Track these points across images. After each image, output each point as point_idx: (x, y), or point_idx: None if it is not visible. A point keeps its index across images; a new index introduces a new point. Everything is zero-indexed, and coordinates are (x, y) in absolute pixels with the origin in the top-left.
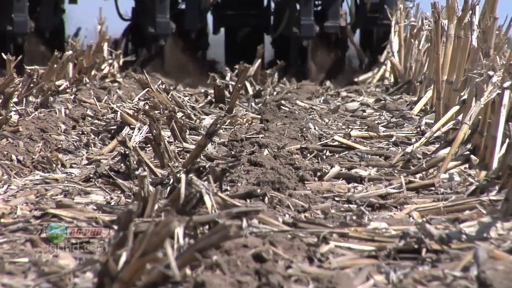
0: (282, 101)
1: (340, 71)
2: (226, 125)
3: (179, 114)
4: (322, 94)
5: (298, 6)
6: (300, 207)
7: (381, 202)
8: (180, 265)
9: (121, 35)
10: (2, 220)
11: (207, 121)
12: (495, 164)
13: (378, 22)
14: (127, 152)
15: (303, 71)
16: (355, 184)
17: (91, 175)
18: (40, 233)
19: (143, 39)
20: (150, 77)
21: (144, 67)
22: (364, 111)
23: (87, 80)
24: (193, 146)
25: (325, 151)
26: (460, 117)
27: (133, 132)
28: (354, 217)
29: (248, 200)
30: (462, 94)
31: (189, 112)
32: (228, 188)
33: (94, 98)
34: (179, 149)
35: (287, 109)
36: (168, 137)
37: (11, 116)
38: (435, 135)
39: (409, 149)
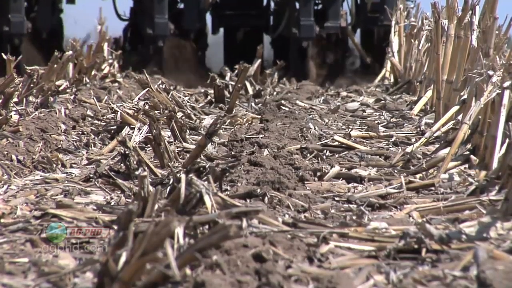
0: (282, 101)
1: (340, 72)
2: (226, 125)
3: (179, 114)
4: (322, 94)
5: (298, 6)
6: (300, 207)
7: (381, 202)
8: (180, 265)
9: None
10: (2, 220)
11: (207, 121)
12: (495, 164)
13: (379, 23)
14: (127, 152)
15: (303, 72)
16: (355, 184)
17: (91, 175)
18: (40, 233)
19: (141, 39)
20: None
21: (142, 68)
22: (364, 111)
23: (87, 80)
24: (193, 146)
25: (325, 151)
26: (460, 117)
27: (133, 132)
28: (354, 217)
29: (248, 200)
30: (462, 94)
31: (189, 112)
32: (228, 188)
33: (94, 98)
34: (179, 149)
35: (287, 109)
36: (168, 137)
37: (11, 116)
38: (435, 135)
39: (409, 149)
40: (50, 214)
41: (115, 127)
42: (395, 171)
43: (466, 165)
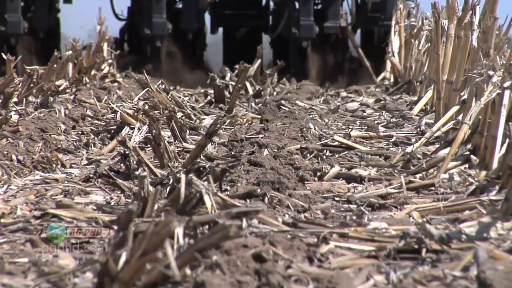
0: (282, 101)
1: (340, 72)
2: (226, 125)
3: (179, 114)
4: (322, 94)
5: (297, 6)
6: (300, 207)
7: (381, 202)
8: (180, 265)
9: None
10: (2, 220)
11: (207, 121)
12: (495, 164)
13: (379, 23)
14: (127, 152)
15: (302, 72)
16: (355, 184)
17: (91, 175)
18: (40, 233)
19: (139, 39)
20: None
21: (139, 69)
22: (364, 111)
23: (87, 80)
24: (193, 146)
25: (325, 151)
26: (460, 117)
27: (133, 132)
28: (354, 217)
29: (248, 200)
30: (462, 94)
31: (189, 112)
32: (228, 188)
33: (94, 98)
34: (179, 149)
35: (287, 109)
36: (168, 137)
37: (11, 116)
38: (435, 135)
39: (409, 149)
40: (50, 214)
41: (115, 127)
42: (395, 171)
43: (466, 165)
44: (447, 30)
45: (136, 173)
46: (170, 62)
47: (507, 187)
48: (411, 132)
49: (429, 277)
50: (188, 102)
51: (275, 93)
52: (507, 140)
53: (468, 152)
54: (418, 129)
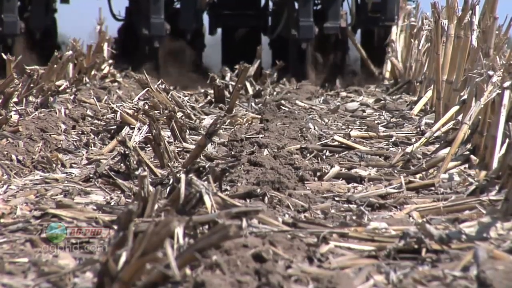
0: (282, 101)
1: (340, 73)
2: (226, 125)
3: (179, 114)
4: (322, 94)
5: (297, 6)
6: (300, 207)
7: (381, 202)
8: (180, 265)
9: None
10: (2, 220)
11: (207, 121)
12: (495, 164)
13: (380, 23)
14: (127, 152)
15: (302, 73)
16: (355, 184)
17: (91, 175)
18: (40, 233)
19: (137, 40)
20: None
21: (137, 69)
22: (364, 111)
23: (87, 80)
24: (193, 146)
25: (325, 151)
26: (460, 117)
27: (133, 132)
28: (354, 217)
29: (248, 200)
30: (462, 94)
31: (189, 112)
32: (228, 188)
33: (94, 98)
34: (179, 149)
35: (287, 109)
36: (168, 137)
37: (11, 116)
38: (435, 135)
39: (409, 149)
40: (50, 214)
41: (115, 127)
42: (395, 171)
43: (466, 165)
44: (447, 30)
45: (136, 173)
46: (168, 62)
47: (507, 187)
48: (411, 132)
49: (429, 277)
50: (188, 102)
51: (275, 93)
52: (507, 140)
53: (468, 152)
54: (418, 129)
